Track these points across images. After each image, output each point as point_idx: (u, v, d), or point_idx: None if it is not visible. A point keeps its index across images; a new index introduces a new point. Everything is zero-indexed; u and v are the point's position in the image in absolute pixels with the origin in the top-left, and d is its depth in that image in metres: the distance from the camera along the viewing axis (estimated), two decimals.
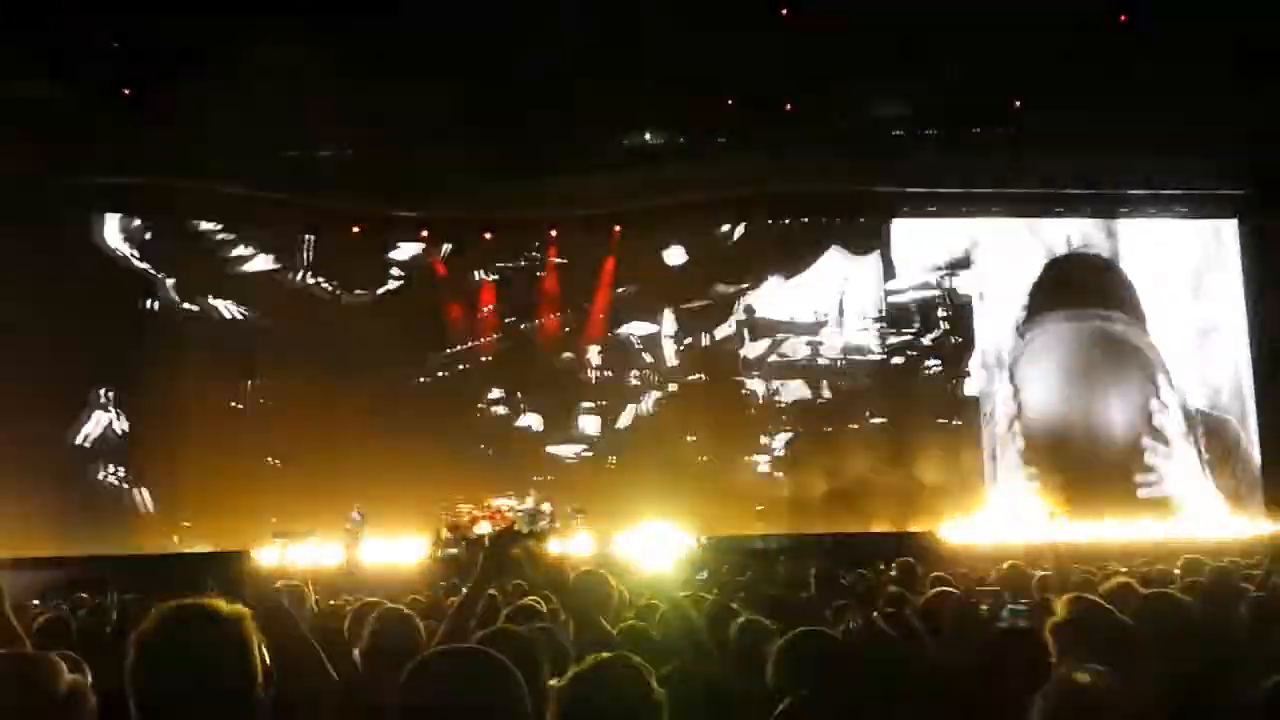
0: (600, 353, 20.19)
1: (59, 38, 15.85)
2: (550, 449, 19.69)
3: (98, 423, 18.57)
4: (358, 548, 15.61)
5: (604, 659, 2.29)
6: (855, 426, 19.83)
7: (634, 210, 19.60)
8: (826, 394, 20.10)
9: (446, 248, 20.33)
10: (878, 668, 2.64)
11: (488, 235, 20.12)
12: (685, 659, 3.65)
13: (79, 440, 18.43)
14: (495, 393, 19.91)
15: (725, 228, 20.47)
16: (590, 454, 19.76)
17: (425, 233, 20.09)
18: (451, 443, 18.81)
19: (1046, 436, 19.51)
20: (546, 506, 16.59)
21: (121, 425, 18.63)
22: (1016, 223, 20.46)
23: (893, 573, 8.04)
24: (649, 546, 15.79)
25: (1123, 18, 16.03)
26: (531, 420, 19.88)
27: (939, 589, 5.59)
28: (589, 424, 19.94)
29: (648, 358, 20.08)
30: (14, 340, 16.62)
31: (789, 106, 18.13)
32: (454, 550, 15.39)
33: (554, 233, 20.21)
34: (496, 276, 20.31)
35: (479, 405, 19.83)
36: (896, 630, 3.48)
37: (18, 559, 14.37)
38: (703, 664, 3.74)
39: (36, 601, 8.93)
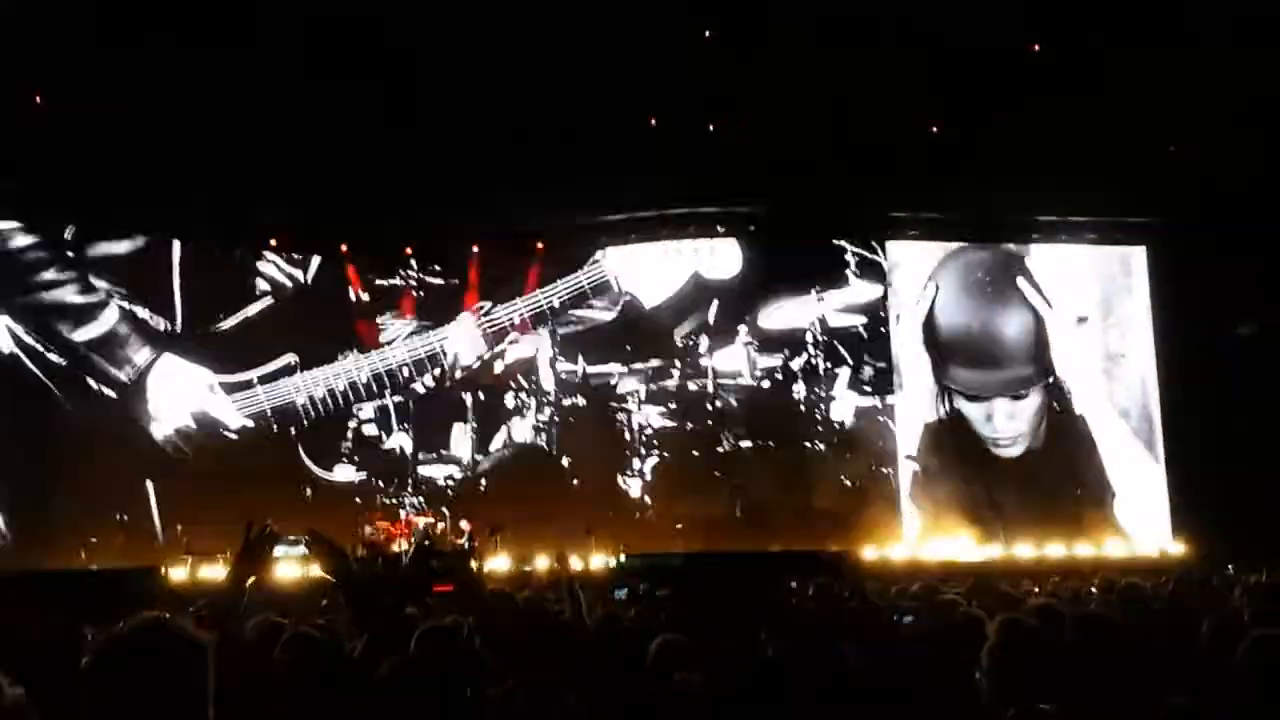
0: (478, 373, 19.68)
1: None
2: (422, 470, 19.16)
3: None
4: (271, 566, 15.24)
5: (525, 677, 2.28)
6: (746, 447, 19.86)
7: (557, 227, 19.57)
8: (707, 418, 19.87)
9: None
10: (804, 682, 2.64)
11: (409, 250, 19.87)
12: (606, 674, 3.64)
13: None
14: (367, 411, 19.34)
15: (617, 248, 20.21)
16: (462, 476, 19.28)
17: (344, 248, 19.75)
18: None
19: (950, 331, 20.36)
20: (464, 524, 16.35)
21: None
22: (931, 246, 20.76)
23: (810, 590, 8.11)
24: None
25: (1034, 46, 16.35)
26: (402, 440, 19.33)
27: (857, 603, 5.65)
28: (461, 445, 19.47)
29: (525, 380, 19.68)
30: None
31: (711, 128, 18.09)
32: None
33: (476, 248, 19.99)
34: (417, 292, 19.96)
35: (349, 424, 19.29)
36: (819, 644, 3.47)
37: None
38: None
39: None
